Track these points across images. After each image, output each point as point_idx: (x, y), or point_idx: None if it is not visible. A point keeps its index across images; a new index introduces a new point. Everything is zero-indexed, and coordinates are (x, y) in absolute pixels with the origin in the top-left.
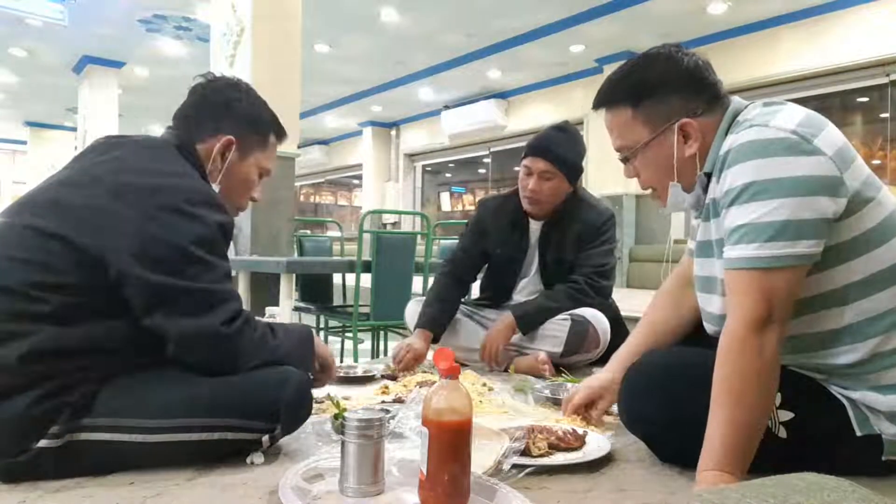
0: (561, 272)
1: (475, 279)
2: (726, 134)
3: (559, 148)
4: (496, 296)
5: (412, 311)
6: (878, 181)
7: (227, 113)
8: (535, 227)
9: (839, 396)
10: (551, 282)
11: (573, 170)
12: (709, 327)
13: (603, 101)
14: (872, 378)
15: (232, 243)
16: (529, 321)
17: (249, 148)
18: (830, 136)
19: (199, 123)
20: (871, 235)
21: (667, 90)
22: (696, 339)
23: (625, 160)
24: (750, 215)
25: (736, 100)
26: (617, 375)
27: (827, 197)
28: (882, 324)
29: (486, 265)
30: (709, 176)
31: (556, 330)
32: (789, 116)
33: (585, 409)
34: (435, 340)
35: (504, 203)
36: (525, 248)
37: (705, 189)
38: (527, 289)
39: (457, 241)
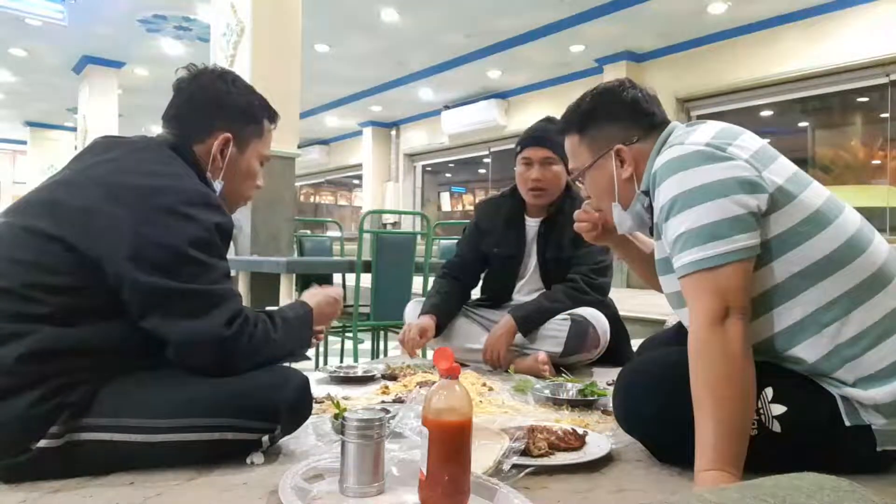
0: (560, 270)
1: (475, 283)
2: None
3: (555, 136)
4: (497, 296)
5: (412, 311)
6: (806, 177)
7: (218, 109)
8: (531, 223)
9: (828, 388)
10: (550, 280)
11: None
12: None
13: (561, 128)
14: (845, 374)
15: (232, 243)
16: (530, 322)
17: (247, 140)
18: (744, 142)
19: (193, 124)
20: (803, 227)
21: (606, 119)
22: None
23: (575, 181)
24: (684, 223)
25: (672, 125)
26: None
27: (746, 194)
28: (833, 312)
29: (486, 268)
30: (647, 194)
31: (556, 330)
32: (704, 132)
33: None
34: (438, 330)
35: (500, 203)
36: (522, 246)
37: (650, 208)
38: (526, 287)
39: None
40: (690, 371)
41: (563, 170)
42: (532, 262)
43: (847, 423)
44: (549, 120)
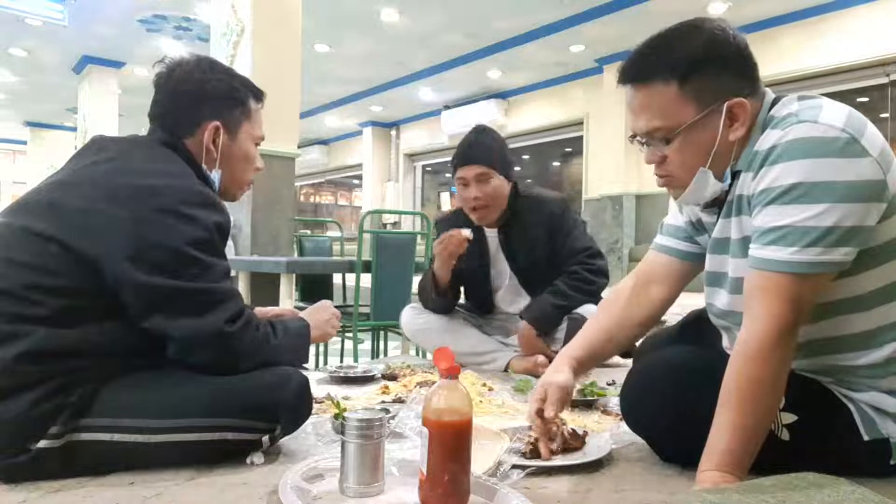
0: (540, 273)
1: (457, 296)
2: (763, 127)
3: (483, 147)
4: (480, 309)
5: (408, 317)
6: None
7: (202, 99)
8: (490, 234)
9: (844, 399)
10: (533, 284)
11: (504, 163)
12: (712, 318)
13: (637, 75)
14: (885, 382)
15: (232, 243)
16: (544, 322)
17: (236, 125)
18: (873, 134)
19: (180, 118)
20: None
21: (718, 66)
22: (694, 338)
23: (655, 142)
24: (791, 217)
25: (769, 94)
26: (567, 374)
27: (873, 203)
28: None
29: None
30: (734, 173)
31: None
32: (835, 112)
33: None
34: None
35: (455, 219)
36: (486, 257)
37: (730, 184)
38: (508, 297)
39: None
40: (735, 369)
41: (502, 181)
42: (504, 271)
43: (865, 438)
44: (475, 131)
